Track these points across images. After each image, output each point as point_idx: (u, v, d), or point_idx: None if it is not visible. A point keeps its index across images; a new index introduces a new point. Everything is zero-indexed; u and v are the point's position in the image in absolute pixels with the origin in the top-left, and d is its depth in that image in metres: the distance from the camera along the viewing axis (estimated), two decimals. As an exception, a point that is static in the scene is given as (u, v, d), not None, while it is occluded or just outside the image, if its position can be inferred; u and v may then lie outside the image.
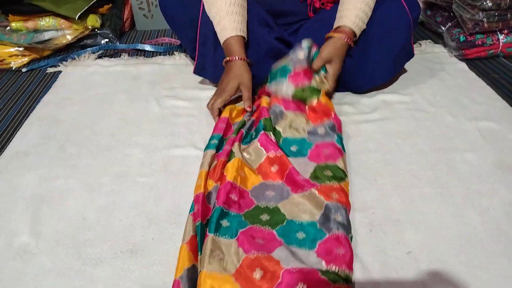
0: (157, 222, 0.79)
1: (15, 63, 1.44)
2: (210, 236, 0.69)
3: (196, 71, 1.18)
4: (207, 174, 0.84)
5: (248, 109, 1.00)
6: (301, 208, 0.78)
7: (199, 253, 0.68)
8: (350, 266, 0.67)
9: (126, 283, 0.68)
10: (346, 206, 0.77)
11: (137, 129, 1.06)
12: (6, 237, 0.77)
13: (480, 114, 1.07)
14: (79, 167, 0.93)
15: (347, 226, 0.73)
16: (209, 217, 0.74)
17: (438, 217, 0.78)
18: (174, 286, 0.63)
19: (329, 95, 1.08)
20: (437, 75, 1.27)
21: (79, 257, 0.72)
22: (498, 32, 1.33)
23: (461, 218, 0.78)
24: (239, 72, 1.02)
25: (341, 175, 0.83)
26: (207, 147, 0.92)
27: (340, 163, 0.86)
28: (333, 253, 0.68)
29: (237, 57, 1.03)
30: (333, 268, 0.65)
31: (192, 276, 0.65)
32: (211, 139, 0.94)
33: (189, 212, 0.77)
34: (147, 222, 0.79)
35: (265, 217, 0.76)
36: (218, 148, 0.91)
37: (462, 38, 1.33)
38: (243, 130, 0.94)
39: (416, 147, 0.96)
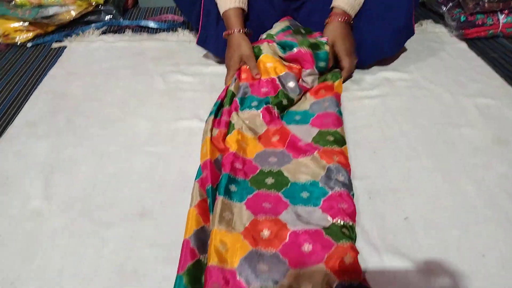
0: (165, 188, 0.82)
1: (20, 38, 1.45)
2: (220, 198, 0.72)
3: (199, 42, 1.19)
4: (211, 140, 0.87)
5: (257, 76, 1.02)
6: (304, 170, 0.82)
7: (211, 213, 0.72)
8: (353, 218, 0.72)
9: (136, 243, 0.71)
10: (347, 168, 0.81)
11: (142, 102, 1.09)
12: (19, 200, 0.80)
13: (478, 92, 1.09)
14: (87, 137, 0.96)
15: (348, 185, 0.78)
16: (218, 182, 0.77)
17: (435, 187, 0.81)
18: (184, 245, 0.67)
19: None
20: (437, 54, 1.29)
21: (90, 219, 0.76)
22: (498, 12, 1.35)
23: (457, 188, 0.81)
24: (237, 44, 1.05)
25: (341, 140, 0.87)
26: (209, 114, 0.96)
27: (340, 130, 0.90)
28: (336, 208, 0.72)
29: (234, 30, 1.06)
30: (339, 221, 0.70)
31: (200, 237, 0.69)
32: (213, 106, 0.98)
33: (195, 179, 0.80)
34: (156, 188, 0.82)
35: (270, 180, 0.80)
36: (217, 113, 0.95)
37: (462, 18, 1.35)
38: (237, 99, 0.97)
39: (415, 122, 0.98)
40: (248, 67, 1.04)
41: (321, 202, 0.74)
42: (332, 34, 1.06)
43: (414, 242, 0.71)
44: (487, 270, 0.66)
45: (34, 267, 0.68)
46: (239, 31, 1.06)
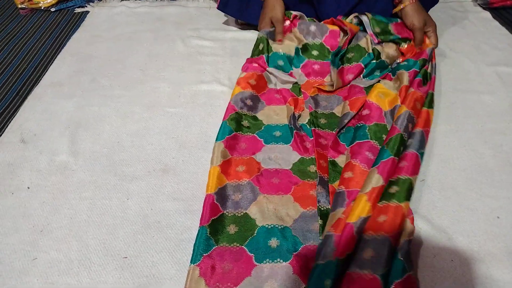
0: (187, 147, 0.84)
1: (43, 2, 1.47)
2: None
3: (220, 7, 1.19)
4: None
5: (278, 42, 1.04)
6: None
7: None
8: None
9: (159, 196, 0.74)
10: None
11: (164, 65, 1.10)
12: (47, 155, 0.83)
13: (500, 60, 1.08)
14: (111, 97, 0.99)
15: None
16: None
17: (452, 150, 0.82)
18: (206, 199, 0.69)
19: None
20: (460, 23, 1.27)
21: (115, 174, 0.79)
22: (525, -19, 1.32)
23: (473, 151, 0.82)
24: (271, 6, 1.07)
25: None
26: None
27: None
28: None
29: None
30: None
31: (223, 194, 0.72)
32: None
33: (216, 140, 0.81)
34: (177, 146, 0.84)
35: None
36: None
37: (488, -14, 1.32)
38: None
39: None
40: (276, 30, 1.06)
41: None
42: (419, 15, 1.02)
43: (430, 203, 0.72)
44: (501, 231, 0.68)
45: (62, 216, 0.72)
46: None
